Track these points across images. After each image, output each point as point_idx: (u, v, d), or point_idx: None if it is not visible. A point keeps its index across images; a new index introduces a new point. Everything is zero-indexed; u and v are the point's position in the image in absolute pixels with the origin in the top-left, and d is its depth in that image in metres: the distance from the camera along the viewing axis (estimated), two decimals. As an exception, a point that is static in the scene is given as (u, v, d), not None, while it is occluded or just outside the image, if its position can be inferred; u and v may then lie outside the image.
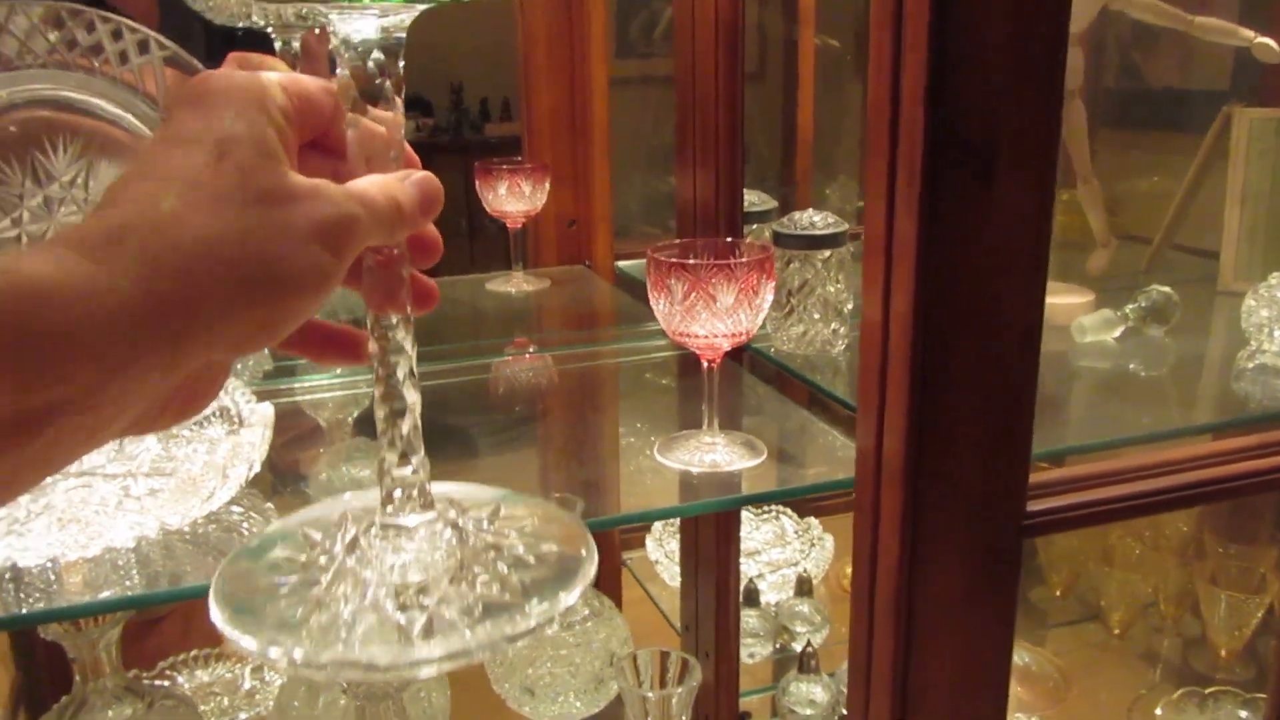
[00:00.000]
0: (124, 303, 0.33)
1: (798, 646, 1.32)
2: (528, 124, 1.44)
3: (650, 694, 0.99)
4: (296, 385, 1.08)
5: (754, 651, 1.39)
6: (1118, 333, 1.09)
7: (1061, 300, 1.14)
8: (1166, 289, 1.11)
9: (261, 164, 0.38)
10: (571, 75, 1.37)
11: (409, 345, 0.45)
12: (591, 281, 1.42)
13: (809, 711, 1.25)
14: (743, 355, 1.09)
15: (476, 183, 1.35)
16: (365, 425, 0.97)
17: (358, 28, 0.42)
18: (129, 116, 0.88)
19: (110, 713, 0.98)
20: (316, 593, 0.42)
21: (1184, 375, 1.10)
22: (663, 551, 1.53)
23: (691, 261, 0.81)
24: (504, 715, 1.18)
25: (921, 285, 0.62)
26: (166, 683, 1.24)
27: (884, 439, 0.66)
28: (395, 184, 0.42)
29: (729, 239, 0.97)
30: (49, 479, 0.73)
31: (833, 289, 1.04)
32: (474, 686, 1.19)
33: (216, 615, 0.42)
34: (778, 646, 1.41)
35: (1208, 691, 1.32)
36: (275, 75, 0.41)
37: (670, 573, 1.50)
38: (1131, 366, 1.08)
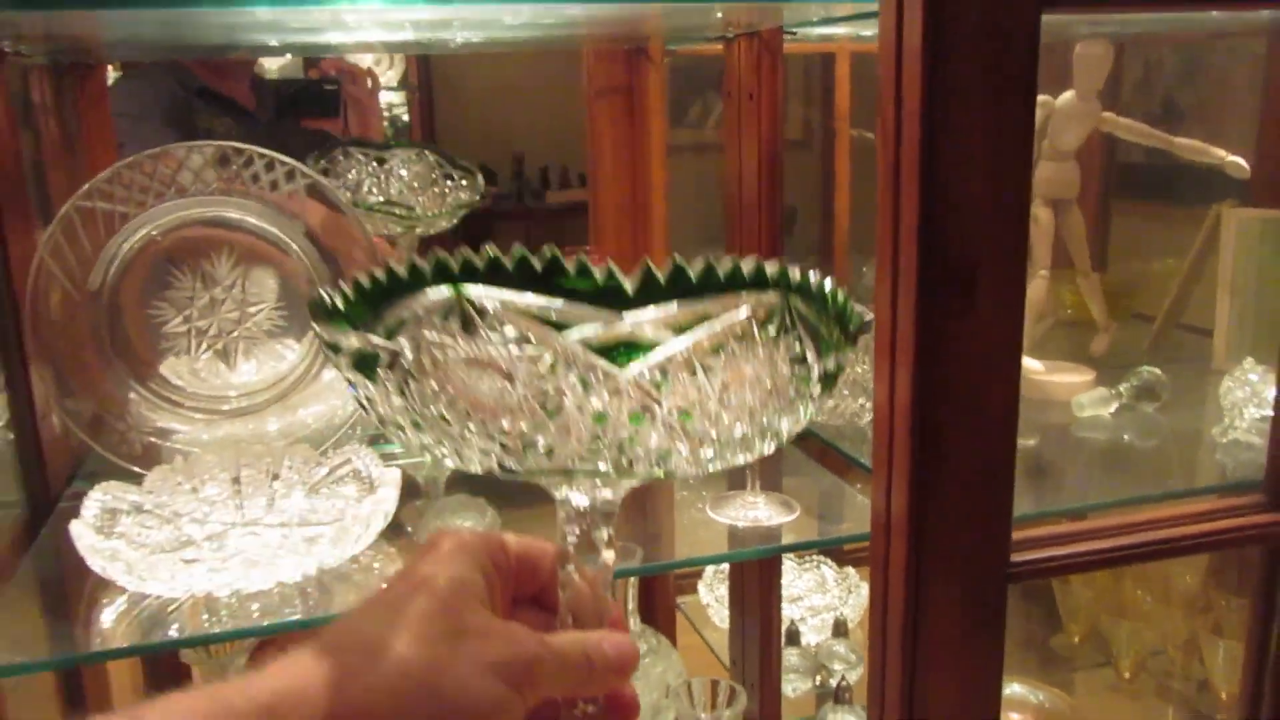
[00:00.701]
0: (314, 704, 0.39)
1: (834, 682, 1.42)
2: (594, 214, 1.61)
3: (703, 716, 1.14)
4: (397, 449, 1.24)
5: (795, 686, 1.51)
6: (1113, 408, 1.22)
7: (1065, 379, 1.28)
8: (1157, 370, 1.23)
9: (460, 603, 0.42)
10: (634, 176, 1.55)
11: None
12: (652, 355, 1.57)
13: (843, 738, 1.37)
14: (783, 426, 1.24)
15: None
16: (461, 482, 1.13)
17: (581, 496, 0.47)
18: (275, 230, 1.07)
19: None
20: None
21: (1167, 447, 1.22)
22: (713, 596, 1.66)
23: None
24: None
25: (918, 379, 0.76)
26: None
27: (891, 501, 0.80)
28: (591, 640, 0.45)
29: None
30: (225, 526, 0.91)
31: (860, 369, 1.18)
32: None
33: None
34: (817, 682, 1.52)
35: (1206, 730, 1.44)
36: (510, 536, 0.47)
37: (720, 615, 1.62)
38: (1125, 438, 1.20)
